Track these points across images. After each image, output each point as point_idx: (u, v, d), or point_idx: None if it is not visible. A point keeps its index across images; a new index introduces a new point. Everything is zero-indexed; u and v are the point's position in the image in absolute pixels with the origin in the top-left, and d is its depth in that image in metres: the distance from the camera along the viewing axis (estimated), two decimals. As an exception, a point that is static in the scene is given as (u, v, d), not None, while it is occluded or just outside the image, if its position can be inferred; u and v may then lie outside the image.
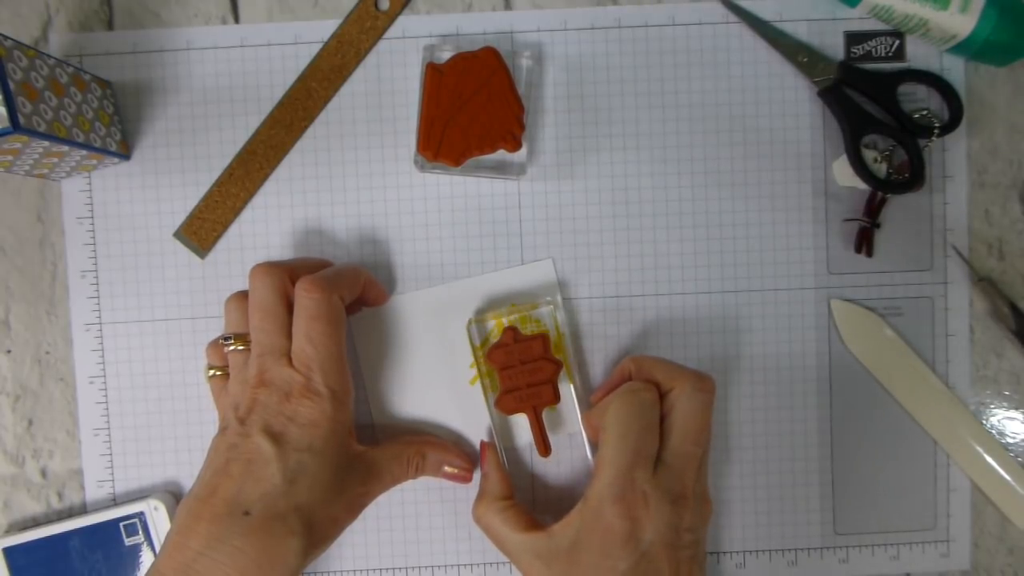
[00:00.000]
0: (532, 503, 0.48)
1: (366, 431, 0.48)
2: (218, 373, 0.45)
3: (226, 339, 0.43)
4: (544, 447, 0.46)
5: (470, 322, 0.47)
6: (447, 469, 0.46)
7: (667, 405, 0.42)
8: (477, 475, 0.47)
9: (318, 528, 0.40)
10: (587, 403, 0.47)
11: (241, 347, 0.43)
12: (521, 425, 0.47)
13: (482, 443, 0.47)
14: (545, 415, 0.46)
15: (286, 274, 0.43)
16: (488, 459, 0.46)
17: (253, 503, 0.39)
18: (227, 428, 0.41)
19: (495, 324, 0.47)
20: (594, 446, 0.46)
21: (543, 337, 0.45)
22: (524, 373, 0.45)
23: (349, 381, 0.43)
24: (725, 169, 0.48)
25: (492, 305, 0.48)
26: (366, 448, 0.44)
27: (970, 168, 0.48)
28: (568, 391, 0.47)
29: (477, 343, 0.47)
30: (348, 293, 0.44)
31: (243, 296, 0.44)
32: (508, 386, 0.45)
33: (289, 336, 0.42)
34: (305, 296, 0.42)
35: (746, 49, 0.48)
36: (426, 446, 0.46)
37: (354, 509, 0.43)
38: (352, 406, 0.43)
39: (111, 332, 0.49)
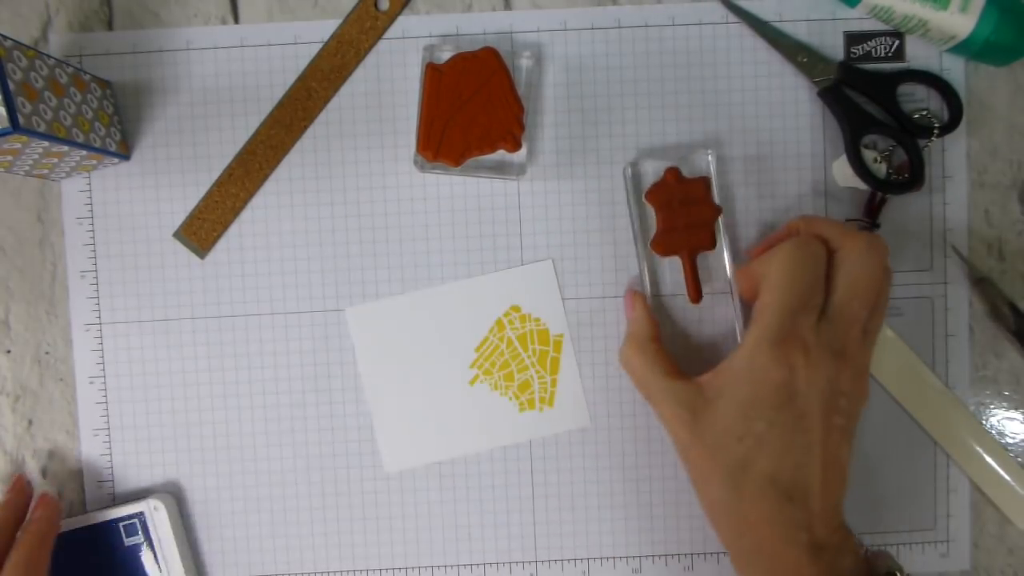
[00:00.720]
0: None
1: (365, 432, 0.48)
2: None
3: None
4: (696, 292, 0.45)
5: (627, 166, 0.46)
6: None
7: (834, 263, 0.41)
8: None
9: None
10: (739, 263, 0.46)
11: None
12: (669, 276, 0.47)
13: (627, 291, 0.47)
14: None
15: None
16: (635, 303, 0.45)
17: None
18: None
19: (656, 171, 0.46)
20: (744, 305, 0.45)
21: (705, 180, 0.45)
22: (683, 214, 0.45)
23: None
24: (725, 169, 0.48)
25: (648, 154, 0.47)
26: None
27: (970, 168, 0.48)
28: (722, 243, 0.46)
29: (630, 186, 0.46)
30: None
31: None
32: (666, 226, 0.45)
33: None
34: None
35: (746, 49, 0.48)
36: None
37: None
38: None
39: (111, 332, 0.49)
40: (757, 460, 0.38)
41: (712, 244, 0.45)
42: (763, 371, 0.38)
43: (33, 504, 0.46)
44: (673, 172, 0.45)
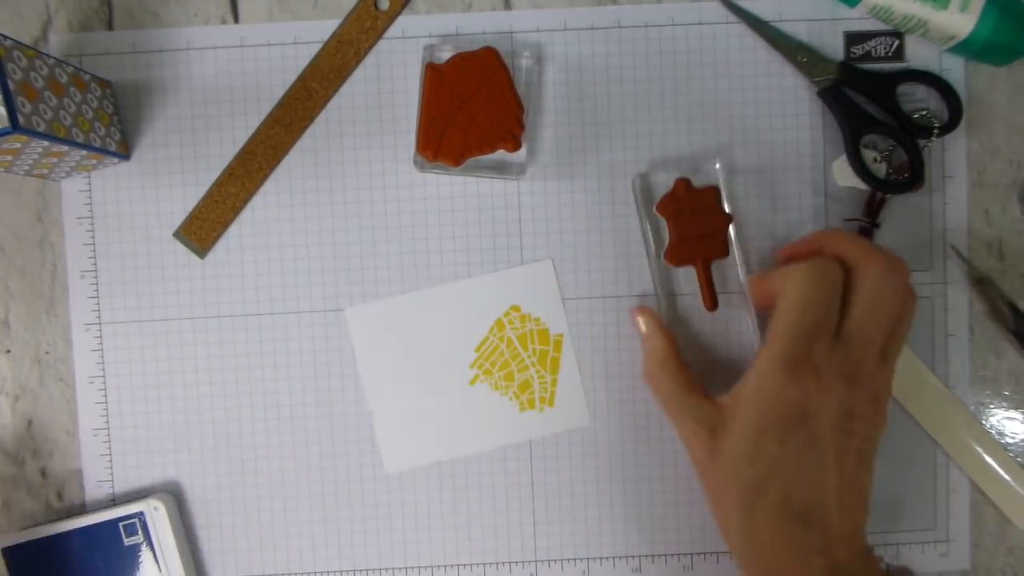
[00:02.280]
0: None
1: (365, 432, 0.48)
2: None
3: None
4: (711, 300, 0.45)
5: (635, 178, 0.47)
6: None
7: (853, 284, 0.40)
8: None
9: None
10: (752, 271, 0.46)
11: None
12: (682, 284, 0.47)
13: (633, 309, 0.46)
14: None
15: None
16: (646, 322, 0.45)
17: None
18: None
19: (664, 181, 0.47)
20: (760, 313, 0.45)
21: (715, 189, 0.45)
22: (694, 224, 0.45)
23: None
24: (725, 169, 0.48)
25: (656, 165, 0.48)
26: None
27: (970, 168, 0.48)
28: (735, 251, 0.46)
29: (640, 198, 0.47)
30: None
31: None
32: (679, 236, 0.45)
33: None
34: None
35: (746, 49, 0.48)
36: None
37: None
38: None
39: (111, 332, 0.49)
40: (770, 483, 0.38)
41: (725, 252, 0.45)
42: (775, 393, 0.38)
43: None
44: (683, 183, 0.45)
